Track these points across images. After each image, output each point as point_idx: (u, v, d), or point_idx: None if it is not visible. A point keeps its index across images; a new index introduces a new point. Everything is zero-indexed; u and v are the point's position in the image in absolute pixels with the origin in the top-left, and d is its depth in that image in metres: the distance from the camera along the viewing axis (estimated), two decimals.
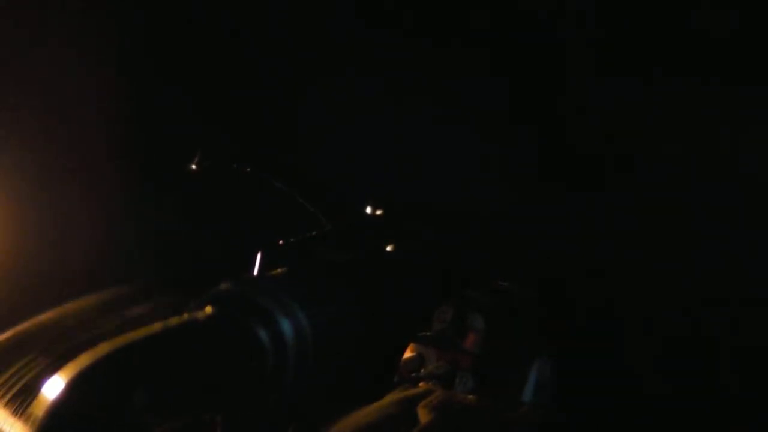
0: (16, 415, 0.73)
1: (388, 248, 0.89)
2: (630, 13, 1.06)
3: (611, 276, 1.03)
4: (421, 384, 0.85)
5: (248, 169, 0.97)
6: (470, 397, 0.84)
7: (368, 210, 0.96)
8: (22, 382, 0.79)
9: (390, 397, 0.78)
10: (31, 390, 0.76)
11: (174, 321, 0.66)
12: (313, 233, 0.87)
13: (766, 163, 0.99)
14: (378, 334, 0.81)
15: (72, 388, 0.59)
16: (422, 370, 0.87)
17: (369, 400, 0.77)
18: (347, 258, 0.84)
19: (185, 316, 0.67)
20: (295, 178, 0.96)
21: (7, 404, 0.76)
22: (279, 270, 0.77)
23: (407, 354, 0.88)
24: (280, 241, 0.82)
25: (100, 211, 1.22)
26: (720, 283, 1.00)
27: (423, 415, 0.76)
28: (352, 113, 1.19)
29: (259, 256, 0.79)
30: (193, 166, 0.98)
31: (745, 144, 1.01)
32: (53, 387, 0.59)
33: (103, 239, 1.22)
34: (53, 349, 0.82)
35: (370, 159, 1.16)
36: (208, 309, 0.68)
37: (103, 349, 0.61)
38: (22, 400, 0.75)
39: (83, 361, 0.60)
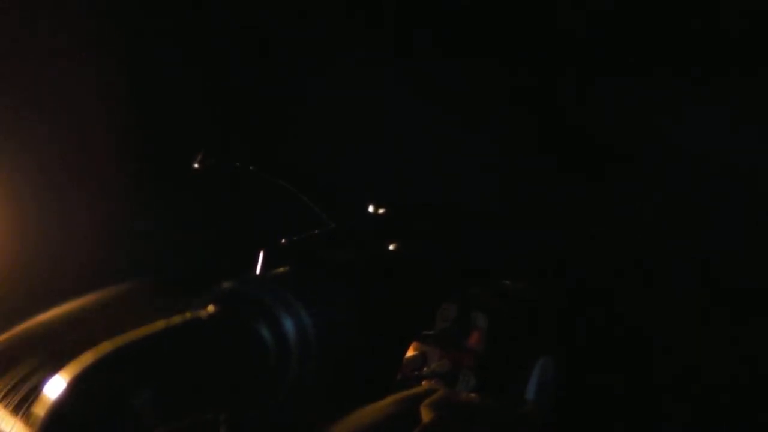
0: (17, 415, 0.72)
1: (391, 247, 0.89)
2: (630, 11, 1.06)
3: (614, 275, 1.03)
4: (423, 383, 0.85)
5: (251, 168, 0.97)
6: (473, 395, 0.84)
7: (371, 209, 0.95)
8: (23, 382, 0.79)
9: (392, 396, 0.78)
10: (32, 390, 0.75)
11: (176, 320, 0.66)
12: (316, 232, 0.87)
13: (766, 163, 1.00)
14: (380, 333, 0.80)
15: (73, 387, 0.58)
16: (425, 369, 0.86)
17: (371, 399, 0.77)
18: (350, 257, 0.84)
19: (187, 314, 0.67)
20: (297, 177, 0.96)
21: (7, 404, 0.75)
22: (282, 269, 0.77)
23: (410, 353, 0.87)
24: (283, 240, 0.82)
25: (100, 211, 1.22)
26: (723, 283, 1.00)
27: (425, 414, 0.76)
28: (355, 112, 1.19)
29: (261, 255, 0.79)
30: (196, 165, 0.98)
31: (746, 143, 1.01)
32: (54, 387, 0.59)
33: (104, 239, 1.21)
34: (54, 349, 0.82)
35: (372, 158, 1.16)
36: (211, 308, 0.68)
37: (104, 348, 0.61)
38: (22, 400, 0.74)
39: (85, 360, 0.60)
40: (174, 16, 1.25)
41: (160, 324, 0.64)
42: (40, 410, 0.58)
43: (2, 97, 1.19)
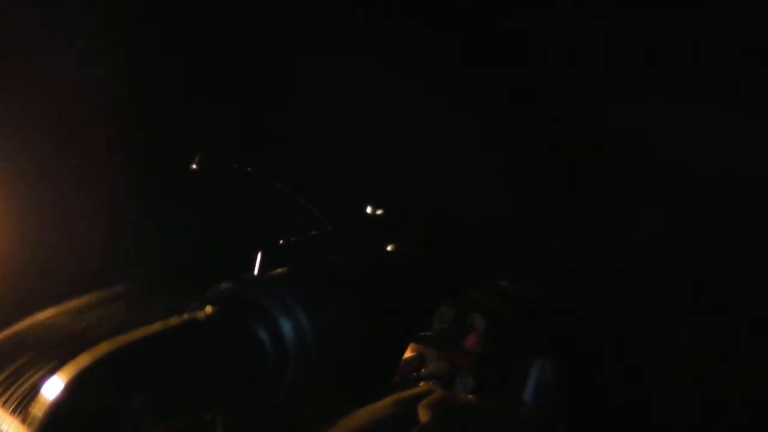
0: (15, 415, 0.72)
1: (389, 248, 0.89)
2: (630, 10, 1.05)
3: (614, 277, 1.03)
4: (421, 384, 0.85)
5: (249, 169, 0.97)
6: (470, 397, 0.84)
7: (369, 210, 0.95)
8: (21, 381, 0.79)
9: (390, 397, 0.78)
10: (30, 390, 0.76)
11: (174, 321, 0.66)
12: (314, 233, 0.87)
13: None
14: (378, 335, 0.80)
15: (71, 388, 0.58)
16: (422, 370, 0.86)
17: (369, 400, 0.77)
18: (348, 258, 0.84)
19: (185, 315, 0.67)
20: (295, 178, 0.96)
21: (5, 404, 0.75)
22: (279, 270, 0.77)
23: (408, 354, 0.87)
24: (281, 241, 0.82)
25: (100, 211, 1.22)
26: (723, 286, 0.99)
27: (423, 415, 0.76)
28: (353, 112, 1.19)
29: (259, 256, 0.79)
30: (194, 166, 0.98)
31: (746, 143, 1.01)
32: (52, 387, 0.59)
33: (103, 239, 1.21)
34: (52, 349, 0.82)
35: (370, 159, 1.16)
36: (208, 309, 0.68)
37: (102, 348, 0.61)
38: (21, 400, 0.75)
39: (83, 361, 0.60)
40: (174, 16, 1.25)
41: (158, 325, 0.65)
42: (37, 410, 0.58)
43: (2, 97, 1.19)
